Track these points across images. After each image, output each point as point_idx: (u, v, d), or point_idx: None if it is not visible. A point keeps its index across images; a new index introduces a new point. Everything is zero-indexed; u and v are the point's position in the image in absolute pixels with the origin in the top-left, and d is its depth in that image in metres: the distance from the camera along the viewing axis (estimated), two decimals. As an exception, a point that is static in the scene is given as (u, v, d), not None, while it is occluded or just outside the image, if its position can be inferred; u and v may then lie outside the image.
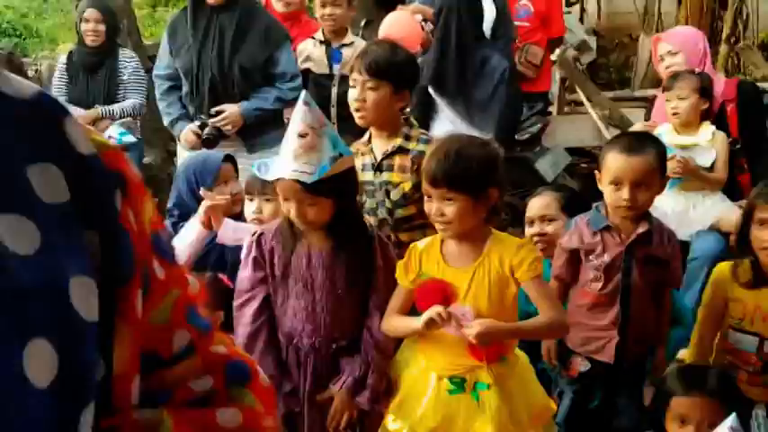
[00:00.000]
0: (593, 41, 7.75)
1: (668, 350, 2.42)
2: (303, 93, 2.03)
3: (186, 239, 2.51)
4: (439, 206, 1.91)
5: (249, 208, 2.62)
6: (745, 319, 2.23)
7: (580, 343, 2.28)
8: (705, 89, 3.19)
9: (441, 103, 3.83)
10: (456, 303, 1.88)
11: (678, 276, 2.35)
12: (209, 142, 3.28)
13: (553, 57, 4.58)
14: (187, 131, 3.39)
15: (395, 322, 2.00)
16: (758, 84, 4.79)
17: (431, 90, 3.81)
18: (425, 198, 1.97)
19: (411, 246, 2.05)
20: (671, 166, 3.03)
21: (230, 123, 3.35)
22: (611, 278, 2.22)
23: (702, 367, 2.21)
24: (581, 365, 2.29)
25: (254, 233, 2.13)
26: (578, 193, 3.06)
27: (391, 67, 2.43)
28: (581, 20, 8.41)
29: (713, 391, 1.96)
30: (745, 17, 5.84)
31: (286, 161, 1.93)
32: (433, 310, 1.84)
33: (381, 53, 2.46)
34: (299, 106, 1.96)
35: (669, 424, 1.97)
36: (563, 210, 2.62)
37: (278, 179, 1.97)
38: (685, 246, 3.08)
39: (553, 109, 5.04)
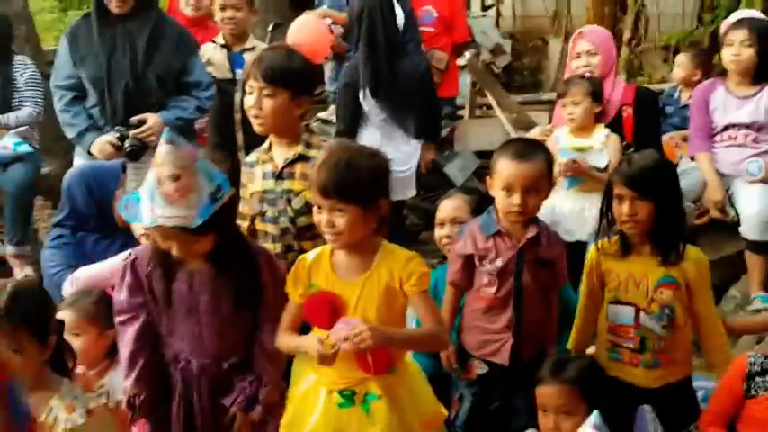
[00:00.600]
0: (507, 45, 7.89)
1: (562, 349, 2.44)
2: (165, 132, 1.92)
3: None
4: (329, 217, 1.88)
5: (138, 226, 2.53)
6: (620, 288, 2.29)
7: (477, 346, 2.31)
8: (596, 93, 3.28)
9: (369, 110, 3.83)
10: (345, 316, 1.86)
11: (564, 276, 2.38)
12: (133, 155, 3.10)
13: (461, 62, 4.62)
14: (103, 143, 3.23)
15: (286, 341, 1.98)
16: (658, 84, 4.99)
17: (361, 97, 3.79)
18: (315, 209, 1.94)
19: (299, 258, 2.02)
20: (563, 167, 3.13)
21: (155, 134, 3.17)
22: (505, 282, 2.25)
23: (567, 357, 2.28)
24: (478, 368, 2.31)
25: (127, 257, 2.06)
26: (487, 197, 3.09)
27: (288, 74, 2.40)
28: (497, 23, 8.57)
29: (568, 379, 2.06)
30: (644, 21, 6.07)
31: (160, 205, 1.84)
32: (317, 347, 1.81)
33: (277, 59, 2.43)
34: (165, 147, 1.85)
35: (539, 415, 2.07)
36: (473, 213, 2.63)
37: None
38: (583, 245, 3.16)
39: (465, 113, 5.09)
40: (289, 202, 2.44)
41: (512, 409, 2.31)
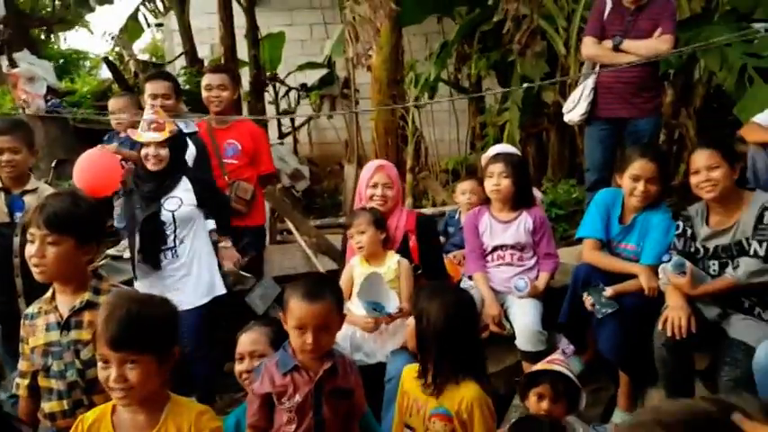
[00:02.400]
0: (306, 170, 8.17)
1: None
2: None
3: None
4: (120, 372, 1.77)
5: None
6: (409, 411, 2.34)
7: (279, 488, 2.22)
8: (378, 221, 3.45)
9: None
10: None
11: (363, 404, 2.40)
12: None
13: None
14: None
15: None
16: (440, 207, 5.39)
17: None
18: (100, 364, 1.81)
19: (79, 419, 1.86)
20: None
21: None
22: (305, 418, 2.21)
23: None
24: None
25: None
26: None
27: (73, 220, 2.28)
28: (294, 150, 8.88)
29: None
30: (424, 148, 6.63)
31: None
32: None
33: (62, 206, 2.31)
34: None
35: None
36: (272, 345, 2.59)
37: None
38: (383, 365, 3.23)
39: (266, 240, 5.13)
40: (77, 353, 2.27)
41: None
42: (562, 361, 2.76)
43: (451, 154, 7.41)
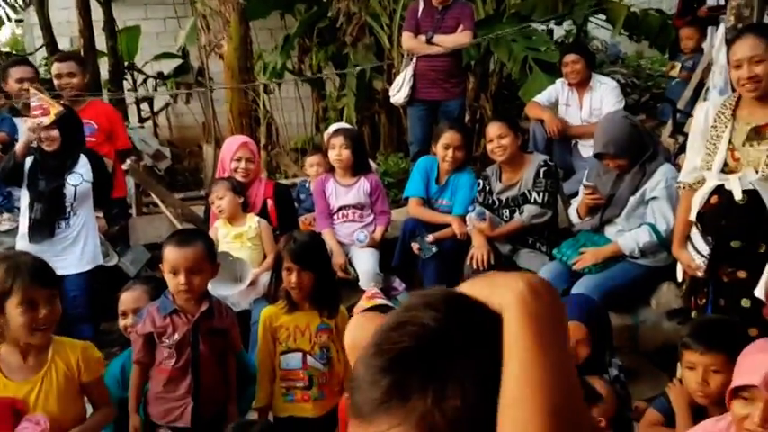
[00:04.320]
0: (167, 151, 7.82)
1: (244, 406, 2.48)
2: None
3: None
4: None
5: None
6: (290, 338, 2.43)
7: (161, 415, 2.25)
8: (235, 188, 3.48)
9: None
10: (29, 414, 1.69)
11: (237, 342, 2.46)
12: None
13: (125, 167, 4.48)
14: None
15: None
16: (292, 179, 5.45)
17: None
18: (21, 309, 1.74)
19: None
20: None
21: None
22: (183, 353, 2.25)
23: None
24: (163, 435, 2.25)
25: None
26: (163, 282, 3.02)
27: None
28: (155, 133, 8.46)
29: None
30: (275, 129, 6.63)
31: None
32: None
33: None
34: None
35: None
36: (152, 299, 2.53)
37: None
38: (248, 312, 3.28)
39: (133, 211, 4.92)
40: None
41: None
42: (381, 295, 2.96)
43: (299, 135, 7.45)
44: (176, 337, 2.24)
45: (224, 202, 3.44)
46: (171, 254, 2.23)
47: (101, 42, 7.42)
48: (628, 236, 3.19)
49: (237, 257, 3.34)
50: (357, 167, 3.82)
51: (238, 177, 3.63)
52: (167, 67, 8.82)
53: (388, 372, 0.58)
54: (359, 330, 1.44)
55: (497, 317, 0.61)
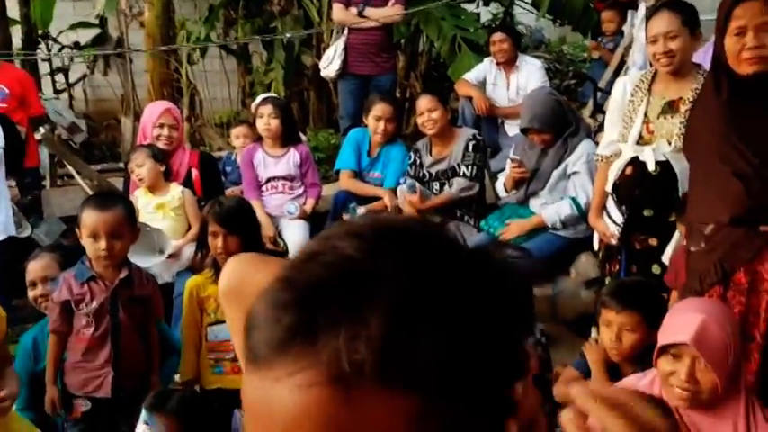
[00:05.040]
0: (83, 124, 7.41)
1: (165, 377, 2.39)
2: None
3: None
4: None
5: None
6: (219, 310, 2.32)
7: (80, 385, 2.14)
8: (156, 155, 3.31)
9: None
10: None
11: (159, 311, 2.37)
12: None
13: (38, 136, 4.20)
14: None
15: None
16: (217, 152, 5.28)
17: None
18: None
19: None
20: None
21: None
22: (102, 321, 2.14)
23: (170, 390, 2.17)
24: (82, 406, 2.14)
25: None
26: (73, 250, 2.85)
27: None
28: (70, 106, 8.00)
29: (172, 410, 1.88)
30: (199, 102, 6.41)
31: None
32: None
33: None
34: None
35: None
36: (61, 267, 2.40)
37: None
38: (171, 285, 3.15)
39: (47, 182, 4.62)
40: None
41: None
42: None
43: (224, 110, 7.22)
44: (94, 304, 2.13)
45: (144, 170, 3.27)
46: (90, 217, 2.11)
47: (13, 9, 6.92)
48: (550, 209, 3.29)
49: (156, 228, 3.19)
50: (287, 138, 3.74)
51: (161, 145, 3.47)
52: (84, 36, 8.33)
53: (294, 307, 0.48)
54: (244, 270, 0.95)
55: (441, 245, 0.52)
